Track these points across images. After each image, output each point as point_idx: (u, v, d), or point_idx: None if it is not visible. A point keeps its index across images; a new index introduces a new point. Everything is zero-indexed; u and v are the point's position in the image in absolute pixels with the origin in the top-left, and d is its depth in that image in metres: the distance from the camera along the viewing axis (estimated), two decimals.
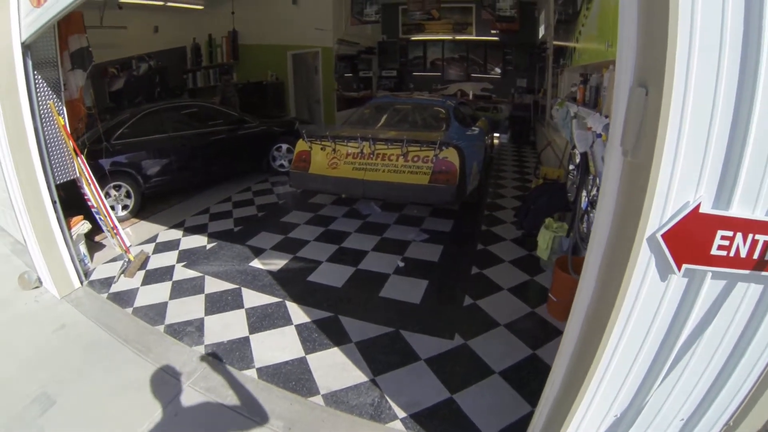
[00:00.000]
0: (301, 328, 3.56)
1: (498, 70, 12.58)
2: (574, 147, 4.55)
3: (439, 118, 6.31)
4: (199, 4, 11.29)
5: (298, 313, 3.76)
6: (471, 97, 12.43)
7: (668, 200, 1.25)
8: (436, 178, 4.97)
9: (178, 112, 7.46)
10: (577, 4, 5.76)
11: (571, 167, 4.96)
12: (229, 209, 6.57)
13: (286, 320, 3.68)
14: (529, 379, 2.93)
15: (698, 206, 1.23)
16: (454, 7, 11.54)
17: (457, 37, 12.24)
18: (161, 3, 10.32)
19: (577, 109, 4.41)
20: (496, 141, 10.86)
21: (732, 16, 1.11)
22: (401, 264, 4.56)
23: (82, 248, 4.72)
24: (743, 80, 1.14)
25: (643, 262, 1.33)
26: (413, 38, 12.63)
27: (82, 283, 4.44)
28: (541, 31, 9.64)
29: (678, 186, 1.23)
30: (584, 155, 3.90)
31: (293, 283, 4.26)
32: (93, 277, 4.57)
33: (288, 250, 4.99)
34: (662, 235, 1.27)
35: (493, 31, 11.40)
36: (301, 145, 5.74)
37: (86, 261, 4.76)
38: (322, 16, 10.90)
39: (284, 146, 8.39)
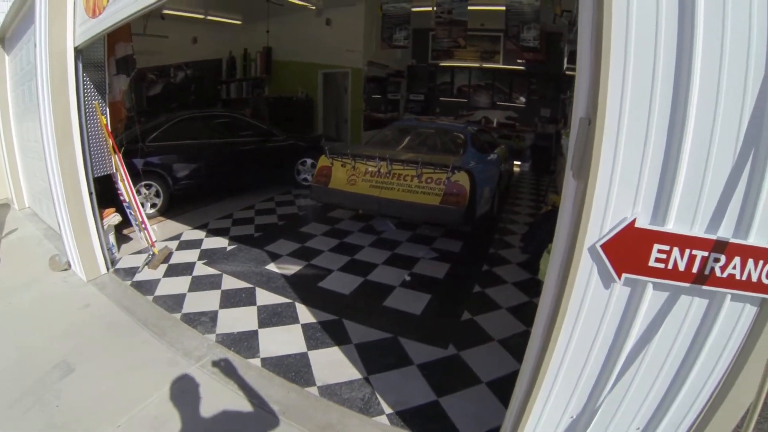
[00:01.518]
0: (306, 327, 3.78)
1: (523, 99, 12.69)
2: None
3: (456, 143, 6.53)
4: (238, 19, 11.80)
5: (305, 314, 3.99)
6: (495, 124, 12.63)
7: (606, 215, 1.46)
8: (446, 199, 5.18)
9: (211, 121, 7.86)
10: None
11: None
12: (252, 216, 6.88)
13: (294, 319, 3.91)
14: None
15: (634, 221, 1.44)
16: (483, 36, 11.72)
17: (484, 65, 12.43)
18: (201, 16, 10.85)
19: None
20: (516, 169, 11.00)
21: (663, 61, 1.34)
22: (408, 278, 4.75)
23: (111, 238, 5.06)
24: (674, 120, 1.36)
25: (586, 269, 1.53)
26: (441, 64, 12.85)
27: (108, 269, 4.78)
28: (566, 63, 9.83)
29: (615, 203, 1.45)
30: None
31: (304, 287, 4.49)
32: (118, 266, 4.90)
33: (303, 258, 5.23)
34: (601, 246, 1.47)
35: (519, 61, 11.58)
36: (323, 161, 6.05)
37: (114, 251, 5.09)
38: (354, 38, 11.20)
39: (309, 161, 8.69)
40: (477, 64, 12.62)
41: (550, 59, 10.87)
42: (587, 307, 1.61)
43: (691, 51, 1.32)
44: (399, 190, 5.41)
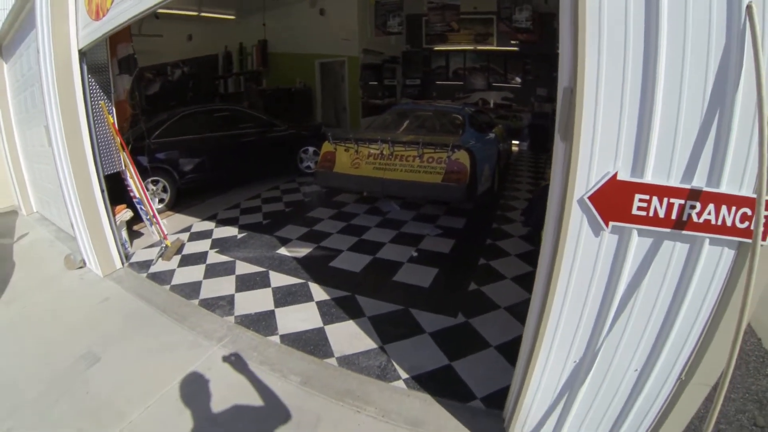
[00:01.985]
0: (321, 305, 3.97)
1: (518, 80, 12.77)
2: None
3: (455, 123, 6.68)
4: (231, 14, 11.89)
5: (319, 292, 4.17)
6: (492, 105, 12.74)
7: (591, 170, 1.65)
8: (448, 177, 5.35)
9: (212, 115, 7.99)
10: None
11: None
12: (259, 205, 7.05)
13: (308, 298, 4.09)
14: None
15: (615, 174, 1.62)
16: (476, 19, 11.77)
17: (479, 47, 12.49)
18: (195, 13, 10.95)
19: None
20: (515, 148, 11.13)
21: (633, 35, 1.51)
22: (415, 254, 4.94)
23: (124, 234, 5.23)
24: (645, 85, 1.54)
25: (576, 219, 1.71)
26: (436, 48, 12.94)
27: (123, 264, 4.95)
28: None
29: (598, 159, 1.63)
30: None
31: (316, 268, 4.68)
32: (133, 260, 5.08)
33: (312, 241, 5.41)
34: (589, 198, 1.65)
35: (513, 42, 11.67)
36: (327, 147, 6.20)
37: (127, 246, 5.26)
38: (348, 27, 11.33)
39: (311, 149, 8.83)
40: (471, 47, 12.67)
41: (544, 39, 10.94)
42: (581, 254, 1.78)
43: (657, 23, 1.49)
44: (402, 171, 5.57)
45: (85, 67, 4.45)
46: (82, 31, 4.26)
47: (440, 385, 2.97)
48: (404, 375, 3.06)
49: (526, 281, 4.28)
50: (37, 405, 2.86)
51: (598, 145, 1.63)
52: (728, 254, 1.71)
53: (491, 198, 6.57)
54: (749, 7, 1.41)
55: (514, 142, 10.83)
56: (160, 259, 5.06)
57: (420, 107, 7.80)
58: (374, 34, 11.27)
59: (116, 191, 5.14)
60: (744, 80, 1.49)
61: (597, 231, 1.73)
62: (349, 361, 3.22)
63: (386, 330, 3.57)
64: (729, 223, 1.62)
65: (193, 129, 7.29)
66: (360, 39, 11.50)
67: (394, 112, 7.65)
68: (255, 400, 2.87)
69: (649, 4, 1.50)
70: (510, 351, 3.25)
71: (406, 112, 7.44)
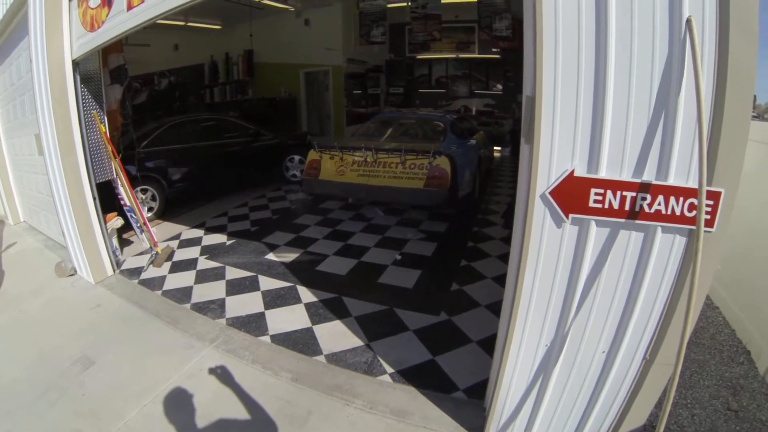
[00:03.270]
0: (309, 306, 4.11)
1: (500, 87, 13.08)
2: None
3: (437, 130, 6.88)
4: (217, 24, 12.01)
5: (307, 295, 4.31)
6: (474, 112, 12.99)
7: (551, 168, 1.83)
8: (429, 182, 5.53)
9: (200, 125, 8.10)
10: None
11: None
12: (246, 213, 7.17)
13: (297, 300, 4.23)
14: None
15: (572, 171, 1.81)
16: (457, 27, 12.05)
17: (461, 56, 12.80)
18: (182, 23, 11.03)
19: None
20: (497, 154, 11.35)
21: (585, 51, 1.71)
22: (399, 257, 5.10)
23: (115, 241, 5.29)
24: (597, 95, 1.74)
25: (540, 213, 1.90)
26: (419, 57, 13.20)
27: (114, 271, 5.02)
28: None
29: (557, 158, 1.82)
30: None
31: (303, 272, 4.82)
32: (123, 267, 5.15)
33: (299, 246, 5.55)
34: (549, 193, 1.84)
35: (494, 50, 11.92)
36: (313, 155, 6.36)
37: (117, 253, 5.33)
38: (333, 37, 11.54)
39: (296, 157, 8.96)
40: (453, 55, 12.96)
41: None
42: (545, 244, 1.96)
43: (606, 39, 1.69)
44: (385, 177, 5.75)
45: (78, 77, 4.54)
46: (76, 42, 4.36)
47: (424, 378, 3.12)
48: (390, 369, 3.21)
49: (505, 281, 4.42)
50: (34, 407, 2.93)
51: (557, 146, 1.81)
52: (680, 241, 1.87)
53: (472, 202, 6.76)
54: (689, 20, 1.60)
55: (495, 148, 11.05)
56: (150, 265, 5.15)
57: (403, 115, 8.00)
58: (358, 44, 11.47)
59: (106, 199, 5.23)
60: (685, 85, 1.67)
61: (559, 223, 1.91)
62: (337, 358, 3.36)
63: (372, 328, 3.72)
64: (678, 212, 1.79)
65: (181, 138, 7.39)
66: (344, 48, 11.71)
67: (377, 121, 7.83)
68: (249, 396, 2.98)
69: (599, 22, 1.69)
70: (490, 346, 3.32)
71: (389, 120, 7.63)
